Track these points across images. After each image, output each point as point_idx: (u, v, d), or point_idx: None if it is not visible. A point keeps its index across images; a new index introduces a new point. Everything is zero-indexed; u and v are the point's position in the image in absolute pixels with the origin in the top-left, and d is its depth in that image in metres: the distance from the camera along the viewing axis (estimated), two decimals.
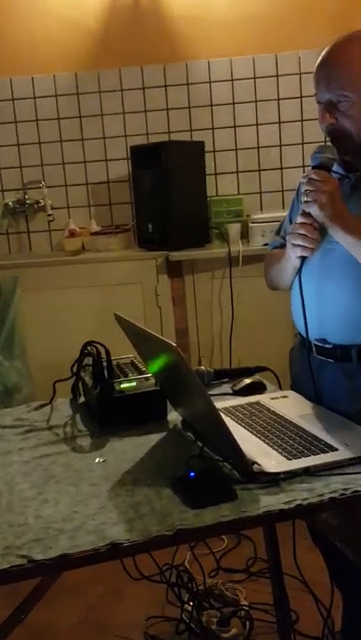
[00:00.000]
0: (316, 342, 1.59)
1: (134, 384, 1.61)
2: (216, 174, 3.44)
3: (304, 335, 1.60)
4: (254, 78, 3.38)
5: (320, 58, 1.51)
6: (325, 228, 1.50)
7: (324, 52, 1.50)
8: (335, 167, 1.58)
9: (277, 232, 1.83)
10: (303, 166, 3.39)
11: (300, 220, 1.52)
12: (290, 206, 1.80)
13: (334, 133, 1.51)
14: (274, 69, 3.37)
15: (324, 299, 1.55)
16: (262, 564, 2.31)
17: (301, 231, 1.51)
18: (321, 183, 1.47)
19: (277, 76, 3.37)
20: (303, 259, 1.54)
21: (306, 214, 1.50)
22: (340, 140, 1.52)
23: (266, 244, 2.97)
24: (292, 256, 1.56)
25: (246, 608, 2.15)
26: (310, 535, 1.76)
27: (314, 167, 1.51)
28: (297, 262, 1.56)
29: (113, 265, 3.12)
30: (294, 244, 1.53)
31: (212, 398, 1.64)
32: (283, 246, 1.68)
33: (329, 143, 1.54)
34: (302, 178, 1.51)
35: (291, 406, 1.56)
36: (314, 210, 1.48)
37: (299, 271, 1.55)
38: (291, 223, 1.71)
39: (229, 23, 3.33)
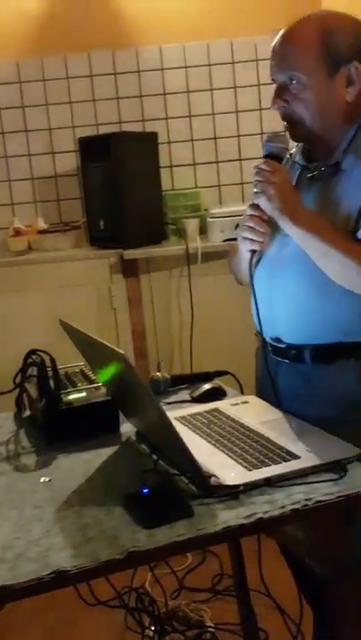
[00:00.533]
0: (271, 342, 1.59)
1: (84, 395, 1.57)
2: (171, 167, 3.42)
3: (261, 333, 1.59)
4: (209, 65, 3.38)
5: (276, 38, 1.50)
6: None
7: (280, 33, 1.50)
8: (298, 157, 1.57)
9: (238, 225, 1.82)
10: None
11: (248, 212, 1.52)
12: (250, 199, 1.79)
13: (286, 118, 1.51)
14: (229, 56, 3.36)
15: (275, 295, 1.54)
16: (229, 581, 2.30)
17: (250, 224, 1.51)
18: (270, 174, 1.47)
19: (233, 62, 3.37)
20: (253, 252, 1.54)
21: (254, 206, 1.50)
22: (292, 126, 1.52)
23: (226, 240, 2.97)
24: (243, 249, 1.56)
25: (212, 629, 2.14)
26: (279, 548, 1.75)
27: (265, 156, 1.51)
28: (248, 256, 1.56)
29: (62, 265, 3.08)
30: (244, 238, 1.54)
31: (169, 406, 1.66)
32: None
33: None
34: (253, 167, 1.51)
35: (251, 412, 1.55)
36: (262, 201, 1.48)
37: (250, 267, 1.55)
38: None
39: (182, 7, 3.32)
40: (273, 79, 1.51)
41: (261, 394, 1.66)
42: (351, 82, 1.46)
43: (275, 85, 1.51)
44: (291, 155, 1.64)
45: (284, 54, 1.47)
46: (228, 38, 3.34)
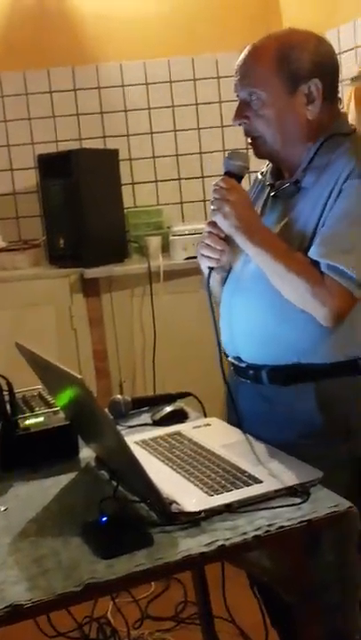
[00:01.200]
0: (233, 360, 1.60)
1: (41, 419, 1.56)
2: (133, 184, 3.43)
3: (223, 353, 1.60)
4: (170, 82, 3.41)
5: (240, 55, 1.53)
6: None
7: (240, 58, 1.53)
8: (268, 176, 1.60)
9: None
10: None
11: (206, 229, 1.54)
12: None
13: (248, 134, 1.54)
14: (191, 73, 3.40)
15: (235, 314, 1.56)
16: (193, 609, 2.28)
17: (207, 241, 1.53)
18: (226, 191, 1.49)
19: (195, 79, 3.41)
20: (210, 270, 1.56)
21: (212, 223, 1.53)
22: (253, 142, 1.54)
23: (189, 258, 2.98)
24: (202, 266, 1.58)
25: None
26: (246, 573, 1.75)
27: (224, 174, 1.53)
28: (207, 273, 1.57)
29: (21, 284, 3.05)
30: (201, 255, 1.55)
31: (129, 430, 1.65)
32: None
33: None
34: (213, 185, 1.53)
35: (214, 435, 1.55)
36: (218, 219, 1.50)
37: (207, 284, 1.56)
38: None
39: (143, 23, 3.35)
40: (237, 95, 1.54)
41: (228, 415, 1.66)
42: (312, 99, 1.48)
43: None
44: (263, 173, 1.68)
45: (245, 71, 1.50)
46: (190, 55, 3.38)
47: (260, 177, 1.70)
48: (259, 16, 3.35)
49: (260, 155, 1.56)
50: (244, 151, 1.57)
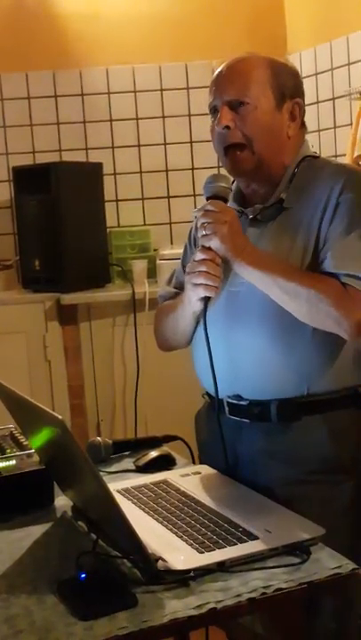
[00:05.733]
0: (230, 400, 1.64)
1: (13, 463, 1.57)
2: (117, 201, 3.48)
3: (213, 393, 1.64)
4: (161, 90, 3.48)
5: (217, 71, 1.63)
6: (227, 266, 1.57)
7: (220, 67, 1.63)
8: (230, 203, 1.65)
9: (168, 282, 1.89)
10: None
11: (199, 256, 1.58)
12: (182, 253, 1.87)
13: (232, 141, 1.59)
14: (184, 80, 3.47)
15: (235, 349, 1.60)
16: None
17: (202, 268, 1.56)
18: (220, 214, 1.55)
19: (188, 88, 3.48)
20: (207, 301, 1.59)
21: (206, 249, 1.56)
22: (240, 151, 1.59)
23: None
24: (193, 298, 1.61)
25: None
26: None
27: (208, 198, 1.59)
28: (198, 306, 1.61)
29: None
30: (195, 284, 1.58)
31: (110, 477, 1.67)
32: (176, 297, 1.76)
33: (223, 171, 1.65)
34: (196, 212, 1.59)
35: (204, 485, 1.57)
36: (215, 243, 1.54)
37: (204, 316, 1.59)
38: (176, 281, 1.81)
39: (132, 24, 3.42)
40: (212, 102, 1.61)
41: (209, 460, 1.69)
42: (294, 117, 1.64)
43: (213, 108, 1.62)
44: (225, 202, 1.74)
45: (237, 76, 1.60)
46: (183, 61, 3.45)
47: None
48: (259, 21, 3.44)
49: (242, 168, 1.62)
50: (224, 174, 1.64)
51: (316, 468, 1.57)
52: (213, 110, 1.62)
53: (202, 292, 1.59)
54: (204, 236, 1.55)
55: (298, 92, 1.65)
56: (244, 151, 1.59)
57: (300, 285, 1.50)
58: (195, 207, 3.51)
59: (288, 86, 1.63)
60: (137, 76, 3.46)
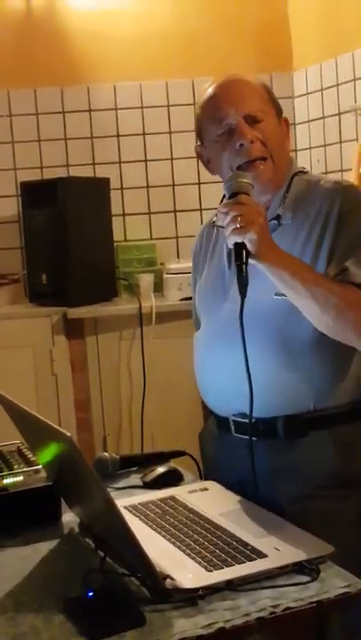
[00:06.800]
0: (235, 418, 1.63)
1: (21, 479, 1.56)
2: (124, 215, 3.49)
3: (221, 413, 1.65)
4: (168, 106, 3.49)
5: (212, 91, 1.64)
6: (227, 284, 1.59)
7: (217, 84, 1.65)
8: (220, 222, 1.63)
9: (193, 317, 1.88)
10: None
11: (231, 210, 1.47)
12: (192, 285, 1.85)
13: (257, 154, 1.58)
14: (190, 97, 3.47)
15: (240, 367, 1.55)
16: None
17: (236, 212, 1.45)
18: (253, 206, 1.48)
19: (194, 104, 3.46)
20: (242, 250, 1.46)
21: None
22: (259, 167, 1.59)
23: (183, 299, 3.01)
24: (231, 240, 1.48)
25: None
26: None
27: (232, 195, 1.51)
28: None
29: None
30: (227, 226, 1.47)
31: (117, 493, 1.66)
32: None
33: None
34: (222, 207, 1.50)
35: (212, 501, 1.55)
36: (250, 235, 1.44)
37: (239, 263, 1.46)
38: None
39: (139, 42, 3.44)
40: (227, 123, 1.58)
41: (215, 479, 1.68)
42: (285, 133, 1.68)
43: (228, 125, 1.58)
44: (214, 222, 1.74)
45: (246, 95, 1.61)
46: (190, 77, 3.46)
47: (206, 230, 1.81)
48: (265, 37, 3.45)
49: (267, 178, 1.60)
50: (243, 172, 1.59)
51: (323, 483, 1.57)
52: (227, 129, 1.59)
53: (236, 236, 1.46)
54: (236, 229, 1.45)
55: (281, 111, 1.70)
56: (267, 162, 1.60)
57: (330, 292, 1.48)
58: (201, 222, 3.52)
59: (278, 103, 1.68)
60: (144, 92, 3.48)
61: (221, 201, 1.65)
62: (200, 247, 1.82)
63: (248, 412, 1.58)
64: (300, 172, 1.69)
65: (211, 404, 1.71)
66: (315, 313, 1.50)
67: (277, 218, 1.61)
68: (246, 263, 1.46)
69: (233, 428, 1.64)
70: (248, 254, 1.46)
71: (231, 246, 1.48)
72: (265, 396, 1.56)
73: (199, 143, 1.70)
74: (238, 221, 1.44)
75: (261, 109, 1.61)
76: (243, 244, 1.45)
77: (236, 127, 1.58)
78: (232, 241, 1.46)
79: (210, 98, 1.64)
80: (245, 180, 1.55)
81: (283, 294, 1.53)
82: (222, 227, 1.51)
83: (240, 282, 1.46)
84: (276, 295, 1.55)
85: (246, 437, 1.59)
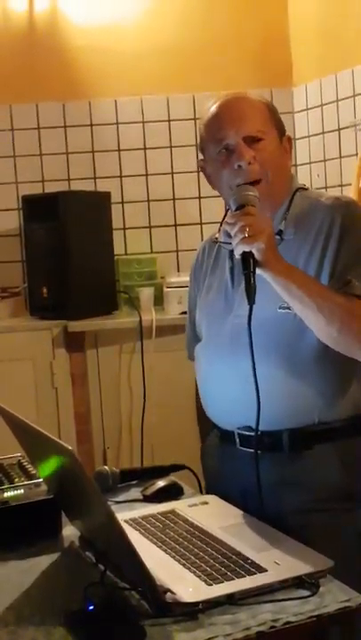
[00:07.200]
0: (240, 431, 1.63)
1: (21, 492, 1.56)
2: (125, 229, 3.50)
3: (225, 426, 1.64)
4: (169, 121, 3.51)
5: (215, 109, 1.64)
6: (230, 299, 1.60)
7: (221, 103, 1.65)
8: (223, 237, 1.65)
9: (186, 331, 1.91)
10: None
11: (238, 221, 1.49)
12: (188, 300, 1.88)
13: (254, 177, 1.60)
14: (191, 111, 3.50)
15: (245, 380, 1.56)
16: None
17: (243, 222, 1.47)
18: (260, 218, 1.51)
19: (195, 119, 3.50)
20: (250, 259, 1.48)
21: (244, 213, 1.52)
22: (256, 185, 1.60)
23: (183, 313, 3.01)
24: (239, 249, 1.50)
25: None
26: None
27: (239, 207, 1.53)
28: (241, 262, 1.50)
29: None
30: (235, 235, 1.49)
31: (117, 506, 1.66)
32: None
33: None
34: (230, 218, 1.53)
35: (212, 515, 1.55)
36: (257, 245, 1.46)
37: (247, 272, 1.48)
38: (194, 325, 1.82)
39: (140, 57, 3.46)
40: (226, 143, 1.60)
41: (217, 492, 1.68)
42: (287, 151, 1.70)
43: (226, 146, 1.61)
44: (216, 238, 1.74)
45: (247, 115, 1.62)
46: (190, 92, 3.48)
47: (207, 245, 1.81)
48: (266, 53, 3.48)
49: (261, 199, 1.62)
50: (249, 185, 1.61)
51: (327, 496, 1.58)
52: (225, 148, 1.61)
53: (244, 245, 1.48)
54: (244, 238, 1.46)
55: (284, 129, 1.71)
56: (261, 184, 1.60)
57: (334, 304, 1.50)
58: (201, 236, 3.54)
59: (281, 122, 1.69)
60: (145, 106, 3.50)
61: (225, 215, 1.67)
62: (200, 262, 1.83)
63: (253, 426, 1.58)
64: (301, 188, 1.70)
65: (215, 417, 1.71)
66: (319, 324, 1.51)
67: (280, 233, 1.62)
68: (254, 272, 1.48)
69: (238, 441, 1.65)
70: (256, 263, 1.48)
71: (239, 256, 1.50)
72: (270, 409, 1.56)
73: (201, 158, 1.72)
74: (247, 231, 1.47)
75: (262, 130, 1.62)
76: (250, 253, 1.47)
77: (235, 148, 1.60)
78: (240, 250, 1.48)
79: (212, 116, 1.65)
80: (252, 193, 1.58)
81: (287, 307, 1.55)
82: (227, 243, 1.54)
83: (248, 290, 1.48)
84: (280, 309, 1.57)
85: (251, 450, 1.60)
